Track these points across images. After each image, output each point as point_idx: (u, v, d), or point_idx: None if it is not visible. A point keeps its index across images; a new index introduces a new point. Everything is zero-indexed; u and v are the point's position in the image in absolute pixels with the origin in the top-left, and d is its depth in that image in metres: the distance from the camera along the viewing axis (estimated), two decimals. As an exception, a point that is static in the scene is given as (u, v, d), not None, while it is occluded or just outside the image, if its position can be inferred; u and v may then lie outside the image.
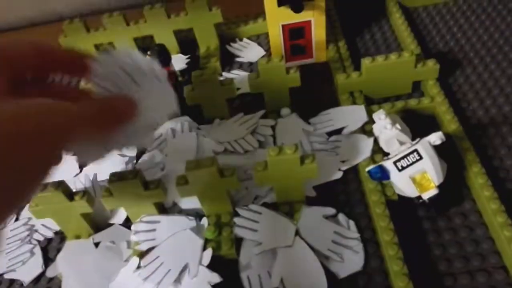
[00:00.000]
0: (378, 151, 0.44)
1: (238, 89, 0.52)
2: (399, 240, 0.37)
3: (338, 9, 0.61)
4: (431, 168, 0.38)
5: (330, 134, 0.47)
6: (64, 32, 0.58)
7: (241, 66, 0.59)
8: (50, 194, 0.38)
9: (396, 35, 0.58)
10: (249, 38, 0.62)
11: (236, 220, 0.40)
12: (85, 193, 0.40)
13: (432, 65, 0.48)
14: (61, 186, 0.39)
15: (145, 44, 0.61)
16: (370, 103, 0.49)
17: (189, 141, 0.48)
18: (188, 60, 0.60)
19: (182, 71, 0.58)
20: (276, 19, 0.51)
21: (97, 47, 0.60)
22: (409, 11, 0.60)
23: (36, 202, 0.40)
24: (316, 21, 0.51)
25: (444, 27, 0.58)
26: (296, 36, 0.53)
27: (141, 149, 0.49)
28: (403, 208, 0.40)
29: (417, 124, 0.45)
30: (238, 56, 0.60)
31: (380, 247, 0.38)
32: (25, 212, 0.47)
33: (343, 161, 0.44)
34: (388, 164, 0.39)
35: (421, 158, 0.38)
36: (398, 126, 0.42)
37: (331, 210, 0.40)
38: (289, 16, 0.51)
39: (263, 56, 0.59)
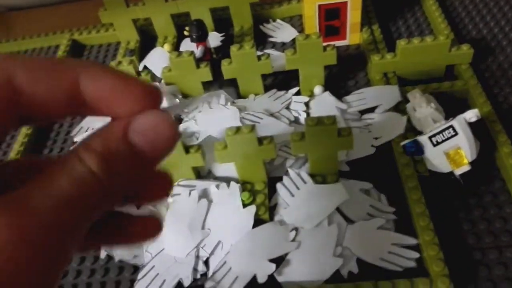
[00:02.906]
0: (411, 129, 0.45)
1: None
2: (430, 213, 0.38)
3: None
4: (466, 144, 0.39)
5: (363, 112, 0.48)
6: (104, 5, 0.59)
7: (274, 46, 0.60)
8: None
9: (429, 21, 0.58)
10: (282, 20, 0.63)
11: (284, 178, 0.42)
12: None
13: (466, 49, 0.49)
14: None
15: (180, 21, 0.63)
16: (403, 85, 0.50)
17: (225, 113, 0.49)
18: (223, 38, 0.61)
19: (216, 49, 0.60)
20: (313, -1, 0.53)
21: (134, 21, 0.62)
22: (442, -1, 0.61)
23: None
24: (352, 2, 0.52)
25: (477, 15, 0.58)
26: (332, 16, 0.54)
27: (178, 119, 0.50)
28: (434, 184, 0.41)
29: (449, 106, 0.46)
30: (271, 36, 0.61)
31: (412, 220, 0.39)
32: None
33: (376, 138, 0.45)
34: (423, 139, 0.40)
35: (456, 134, 0.39)
36: (432, 105, 0.43)
37: (367, 185, 0.42)
38: (326, -4, 0.52)
39: (296, 37, 0.60)
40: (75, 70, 0.16)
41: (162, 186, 0.19)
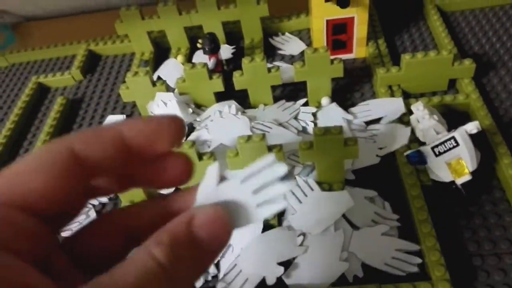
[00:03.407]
0: (415, 140, 0.46)
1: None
2: (432, 220, 0.40)
3: (378, 9, 0.64)
4: (467, 154, 0.40)
5: (368, 123, 0.50)
6: (120, 17, 0.62)
7: (282, 58, 0.63)
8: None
9: (433, 36, 0.61)
10: (291, 33, 0.66)
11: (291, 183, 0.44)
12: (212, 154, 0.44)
13: (468, 64, 0.51)
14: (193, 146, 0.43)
15: (192, 33, 0.66)
16: (407, 97, 0.52)
17: (236, 122, 0.51)
18: (234, 50, 0.63)
19: (227, 61, 0.62)
20: (321, 14, 0.55)
21: (149, 33, 0.64)
22: (446, 14, 0.63)
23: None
24: (359, 17, 0.55)
25: (480, 31, 0.60)
26: (339, 31, 0.57)
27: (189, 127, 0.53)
28: (436, 193, 0.43)
29: (451, 119, 0.48)
30: (280, 49, 0.64)
31: (414, 227, 0.41)
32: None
33: (380, 148, 0.47)
34: (426, 149, 0.42)
35: (457, 144, 0.40)
36: (435, 117, 0.45)
37: (372, 193, 0.43)
38: (334, 12, 0.54)
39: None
40: (117, 126, 0.19)
41: (180, 170, 0.21)
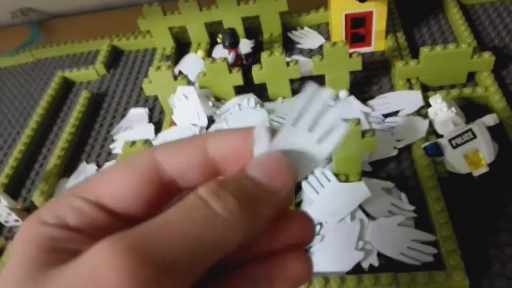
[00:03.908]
0: (432, 133, 0.47)
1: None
2: (448, 211, 0.40)
3: (397, 2, 0.64)
4: (484, 147, 0.41)
5: (386, 116, 0.51)
6: (143, 14, 0.63)
7: (301, 52, 0.63)
8: (137, 150, 0.44)
9: (452, 29, 0.60)
10: (309, 27, 0.66)
11: (309, 176, 0.45)
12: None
13: (488, 57, 0.51)
14: (147, 143, 0.44)
15: (212, 29, 0.67)
16: (426, 90, 0.52)
17: (254, 115, 0.52)
18: (253, 45, 0.64)
19: (246, 55, 0.63)
20: (340, 8, 0.55)
21: (170, 29, 0.66)
22: (466, 7, 0.63)
23: (124, 156, 0.45)
24: (377, 11, 0.55)
25: (500, 24, 0.60)
26: (358, 25, 0.57)
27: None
28: (453, 184, 0.43)
29: (470, 111, 0.48)
30: (298, 43, 0.64)
31: (430, 218, 0.41)
32: (106, 169, 0.53)
33: (398, 140, 0.48)
34: (443, 141, 0.42)
35: (475, 137, 0.41)
36: (453, 109, 0.45)
37: (389, 184, 0.44)
38: (352, 6, 0.55)
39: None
40: (202, 138, 0.18)
41: (299, 228, 0.18)
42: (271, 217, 0.17)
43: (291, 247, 0.18)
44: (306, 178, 0.17)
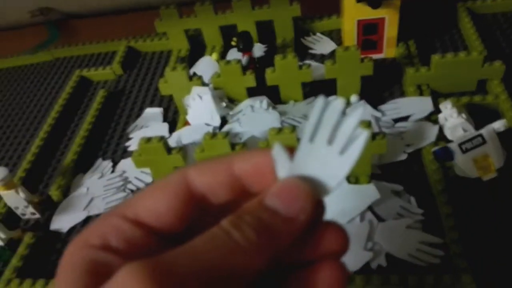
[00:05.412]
0: (442, 138, 0.47)
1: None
2: (456, 214, 0.41)
3: (409, 10, 0.65)
4: (493, 152, 0.41)
5: (396, 121, 0.51)
6: (160, 16, 0.65)
7: (313, 57, 0.64)
8: (153, 146, 0.45)
9: (463, 38, 0.61)
10: (322, 33, 0.67)
11: None
12: (181, 149, 0.46)
13: (498, 65, 0.51)
14: (162, 140, 0.45)
15: (227, 33, 0.68)
16: (436, 97, 0.53)
17: (267, 116, 0.53)
18: (266, 49, 0.66)
19: (259, 59, 0.64)
20: (353, 14, 0.57)
21: (186, 31, 0.67)
22: (477, 17, 0.64)
23: (140, 152, 0.47)
24: (389, 18, 0.56)
25: (511, 33, 0.60)
26: (369, 31, 0.58)
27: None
28: (461, 189, 0.44)
29: (479, 119, 0.48)
30: (311, 48, 0.66)
31: (438, 221, 0.42)
32: (120, 166, 0.54)
33: (408, 145, 0.48)
34: (453, 145, 0.43)
35: (484, 142, 0.41)
36: (463, 115, 0.46)
37: (398, 187, 0.45)
38: (365, 12, 0.56)
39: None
40: (229, 158, 0.19)
41: (332, 239, 0.19)
42: (294, 240, 0.18)
43: (327, 256, 0.19)
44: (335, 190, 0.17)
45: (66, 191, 0.53)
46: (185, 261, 0.15)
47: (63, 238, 0.49)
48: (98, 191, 0.52)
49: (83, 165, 0.56)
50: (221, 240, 0.16)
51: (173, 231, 0.19)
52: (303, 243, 0.19)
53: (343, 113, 0.17)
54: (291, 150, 0.18)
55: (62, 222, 0.50)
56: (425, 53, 0.60)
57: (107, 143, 0.59)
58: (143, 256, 0.15)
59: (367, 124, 0.42)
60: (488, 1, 0.64)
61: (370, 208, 0.43)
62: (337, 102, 0.17)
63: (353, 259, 0.40)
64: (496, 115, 0.51)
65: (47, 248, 0.48)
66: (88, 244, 0.18)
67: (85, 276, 0.17)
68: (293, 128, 0.43)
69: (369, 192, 0.44)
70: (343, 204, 0.44)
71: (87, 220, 0.50)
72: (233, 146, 0.46)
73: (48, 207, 0.52)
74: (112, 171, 0.54)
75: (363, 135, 0.17)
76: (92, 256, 0.17)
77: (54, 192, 0.52)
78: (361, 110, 0.17)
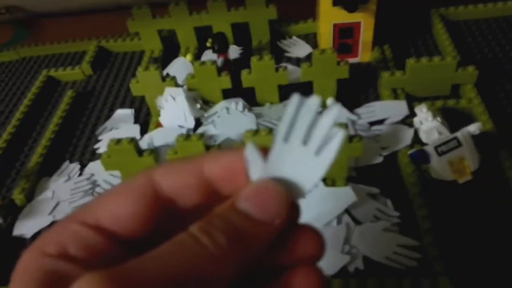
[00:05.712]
0: (417, 141, 0.47)
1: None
2: (432, 217, 0.41)
3: (384, 15, 0.66)
4: (469, 155, 0.41)
5: (372, 124, 0.51)
6: (132, 16, 0.63)
7: (289, 60, 0.64)
8: (123, 147, 0.43)
9: (437, 44, 0.62)
10: (298, 36, 0.67)
11: None
12: (152, 151, 0.44)
13: (471, 70, 0.52)
14: (133, 141, 0.43)
15: (202, 34, 0.67)
16: (411, 101, 0.53)
17: (242, 118, 0.52)
18: (242, 51, 0.65)
19: (235, 61, 0.63)
20: (329, 18, 0.56)
21: (159, 32, 0.66)
22: (450, 23, 0.65)
23: (109, 154, 0.45)
24: (365, 23, 0.56)
25: (483, 40, 0.62)
26: (345, 35, 0.58)
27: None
28: (437, 191, 0.44)
29: (454, 122, 0.49)
30: (287, 52, 0.65)
31: (414, 224, 0.42)
32: (88, 169, 0.52)
33: (383, 148, 0.48)
34: (429, 148, 0.43)
35: (460, 145, 0.42)
36: (438, 119, 0.46)
37: (375, 190, 0.44)
38: (341, 16, 0.56)
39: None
40: (199, 159, 0.18)
41: (307, 243, 0.18)
42: (267, 245, 0.17)
43: (304, 261, 0.18)
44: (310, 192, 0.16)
45: (30, 195, 0.50)
46: (150, 271, 0.14)
47: (26, 244, 0.46)
48: (65, 195, 0.49)
49: (49, 168, 0.53)
50: (189, 247, 0.15)
51: (138, 237, 0.17)
52: (278, 248, 0.18)
53: (319, 112, 0.16)
54: (264, 151, 0.17)
55: (25, 228, 0.48)
56: (400, 57, 0.60)
57: (74, 145, 0.56)
58: (104, 265, 0.14)
59: (343, 126, 0.41)
60: (460, 8, 0.65)
61: (347, 211, 0.43)
62: (312, 100, 0.16)
63: (330, 263, 0.40)
64: (469, 119, 0.51)
65: (9, 254, 0.45)
66: (44, 253, 0.16)
67: (41, 287, 0.15)
68: (270, 130, 0.42)
69: (346, 195, 0.43)
70: (319, 207, 0.43)
71: (52, 225, 0.47)
72: (207, 148, 0.44)
73: (10, 212, 0.49)
74: (80, 174, 0.52)
75: (339, 135, 0.16)
76: (48, 266, 0.16)
77: (17, 196, 0.49)
78: (337, 109, 0.16)
